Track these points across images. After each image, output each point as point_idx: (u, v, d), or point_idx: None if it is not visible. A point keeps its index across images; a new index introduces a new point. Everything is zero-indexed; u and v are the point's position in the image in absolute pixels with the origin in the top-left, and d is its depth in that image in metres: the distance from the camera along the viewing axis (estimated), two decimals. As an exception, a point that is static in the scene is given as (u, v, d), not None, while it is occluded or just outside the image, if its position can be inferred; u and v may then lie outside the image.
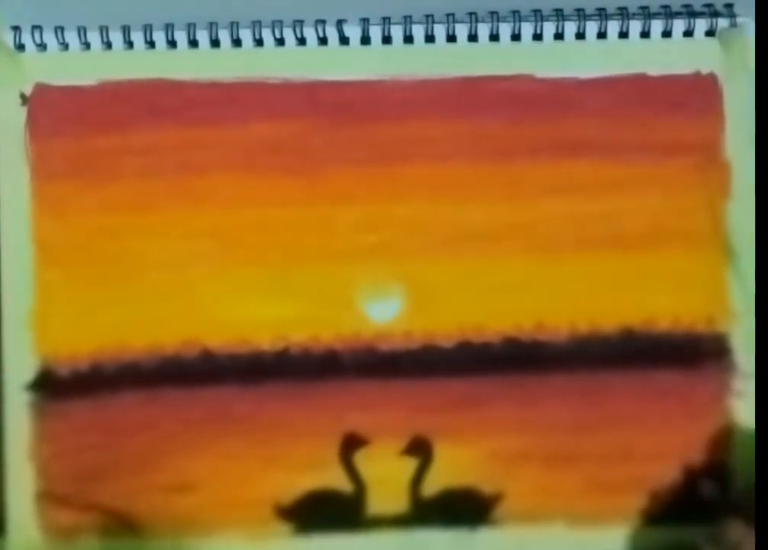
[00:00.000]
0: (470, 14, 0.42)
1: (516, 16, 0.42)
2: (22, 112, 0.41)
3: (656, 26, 0.42)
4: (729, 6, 0.42)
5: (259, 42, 0.42)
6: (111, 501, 0.40)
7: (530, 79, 0.42)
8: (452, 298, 0.41)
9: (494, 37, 0.42)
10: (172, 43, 0.42)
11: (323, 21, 0.42)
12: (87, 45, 0.42)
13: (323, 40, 0.42)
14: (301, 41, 0.42)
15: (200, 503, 0.41)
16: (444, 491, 0.41)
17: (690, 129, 0.42)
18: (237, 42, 0.42)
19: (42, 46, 0.42)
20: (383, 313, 0.41)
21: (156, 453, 0.41)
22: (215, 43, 0.42)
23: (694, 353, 0.41)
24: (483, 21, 0.42)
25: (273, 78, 0.42)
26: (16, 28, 0.42)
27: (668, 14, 0.42)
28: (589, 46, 0.42)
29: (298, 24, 0.42)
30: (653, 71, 0.42)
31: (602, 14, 0.42)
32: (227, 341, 0.41)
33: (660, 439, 0.41)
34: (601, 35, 0.42)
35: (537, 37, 0.42)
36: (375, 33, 0.42)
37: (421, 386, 0.41)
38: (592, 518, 0.41)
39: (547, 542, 0.41)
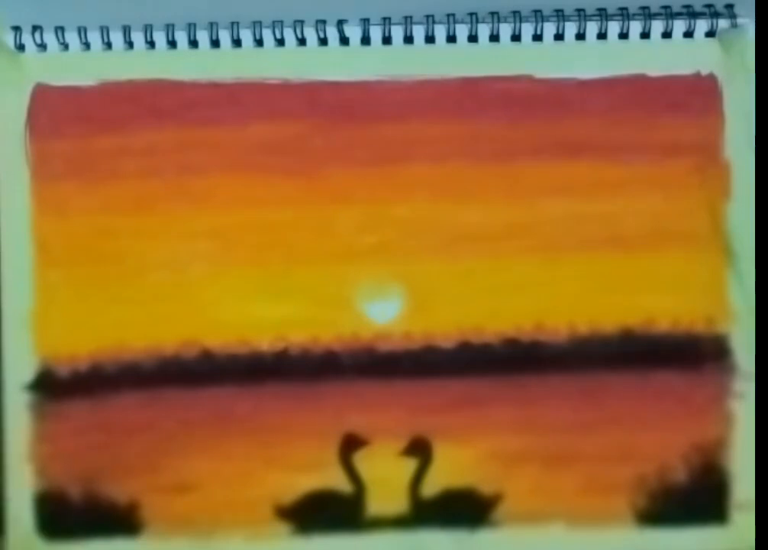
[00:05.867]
0: (470, 14, 0.42)
1: (516, 16, 0.42)
2: (22, 112, 0.41)
3: (657, 27, 0.42)
4: (729, 7, 0.42)
5: (259, 42, 0.42)
6: (110, 501, 0.40)
7: (530, 79, 0.42)
8: (451, 298, 0.41)
9: (494, 38, 0.42)
10: (172, 44, 0.42)
11: (323, 22, 0.42)
12: (87, 45, 0.42)
13: (323, 41, 0.42)
14: (302, 42, 0.42)
15: (200, 503, 0.41)
16: (444, 491, 0.41)
17: (690, 129, 0.41)
18: (237, 42, 0.42)
19: (42, 47, 0.42)
20: (383, 314, 0.41)
21: (156, 453, 0.41)
22: (215, 43, 0.42)
23: (694, 353, 0.41)
24: (483, 22, 0.42)
25: (273, 78, 0.42)
26: (16, 28, 0.42)
27: (668, 14, 0.42)
28: (589, 46, 0.42)
29: (299, 24, 0.42)
30: (653, 72, 0.42)
31: (603, 15, 0.42)
32: (226, 342, 0.41)
33: (660, 439, 0.41)
34: (602, 36, 0.42)
35: (537, 37, 0.42)
36: (376, 33, 0.42)
37: (421, 386, 0.41)
38: (592, 518, 0.41)
39: (547, 543, 0.41)
